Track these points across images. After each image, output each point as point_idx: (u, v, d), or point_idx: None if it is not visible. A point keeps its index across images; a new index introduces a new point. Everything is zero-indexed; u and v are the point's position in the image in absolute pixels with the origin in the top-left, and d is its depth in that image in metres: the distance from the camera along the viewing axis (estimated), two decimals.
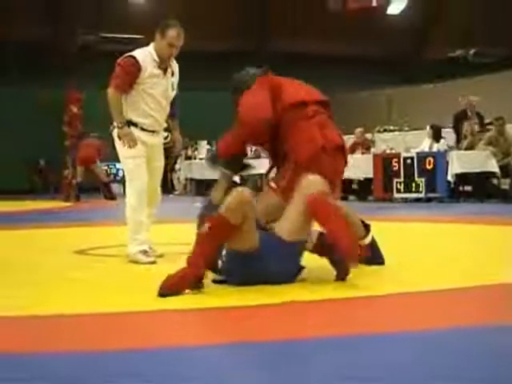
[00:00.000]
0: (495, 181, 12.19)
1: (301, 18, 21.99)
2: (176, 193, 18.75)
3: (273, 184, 4.31)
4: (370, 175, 13.23)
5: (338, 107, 22.60)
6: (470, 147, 12.44)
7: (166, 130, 5.52)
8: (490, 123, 12.98)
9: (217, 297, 3.69)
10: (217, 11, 21.38)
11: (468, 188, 12.53)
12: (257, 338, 2.83)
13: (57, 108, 20.76)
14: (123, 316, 3.36)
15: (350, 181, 13.85)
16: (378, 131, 15.40)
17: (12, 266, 5.14)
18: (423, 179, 12.19)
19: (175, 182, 19.46)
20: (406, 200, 12.70)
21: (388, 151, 13.70)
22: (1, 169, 20.48)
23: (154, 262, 4.97)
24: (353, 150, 14.45)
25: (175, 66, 5.36)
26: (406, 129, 15.45)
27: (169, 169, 19.65)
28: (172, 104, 5.41)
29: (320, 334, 2.85)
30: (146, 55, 5.14)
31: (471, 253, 5.35)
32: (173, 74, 5.31)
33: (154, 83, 5.15)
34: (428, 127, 13.26)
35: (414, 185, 12.34)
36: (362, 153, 14.11)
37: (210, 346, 2.76)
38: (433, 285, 3.88)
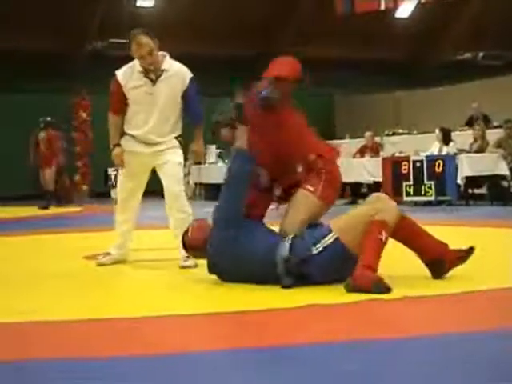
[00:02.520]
0: (505, 183, 12.14)
1: (308, 21, 21.96)
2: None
3: (310, 187, 4.29)
4: (379, 179, 13.20)
5: (347, 110, 22.65)
6: (480, 150, 12.41)
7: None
8: (500, 126, 12.95)
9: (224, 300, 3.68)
10: (223, 17, 21.40)
11: (478, 191, 12.48)
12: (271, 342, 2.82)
13: (65, 114, 20.84)
14: (132, 321, 3.35)
15: (360, 184, 13.82)
16: (387, 134, 15.37)
17: (21, 272, 5.14)
18: (433, 182, 12.15)
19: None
20: (415, 203, 12.67)
21: (397, 154, 13.67)
22: (8, 175, 20.51)
23: (102, 264, 5.25)
24: (362, 153, 14.45)
25: (175, 70, 5.25)
26: (415, 132, 15.42)
27: None
28: (190, 111, 5.37)
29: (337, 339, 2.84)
30: (127, 69, 5.23)
31: (483, 256, 5.32)
32: (166, 81, 5.20)
33: (139, 94, 5.17)
34: (437, 130, 13.23)
35: (423, 188, 12.30)
36: (371, 156, 14.09)
37: (224, 350, 2.75)
38: (443, 289, 3.86)
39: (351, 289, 3.81)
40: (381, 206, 3.99)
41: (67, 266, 5.33)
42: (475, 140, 12.69)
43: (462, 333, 2.89)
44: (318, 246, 3.96)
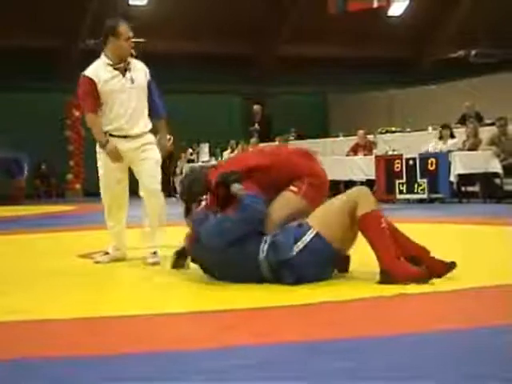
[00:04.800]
0: (498, 181, 12.17)
1: (302, 20, 21.97)
2: (178, 196, 18.74)
3: (294, 188, 4.29)
4: (372, 177, 13.22)
5: (341, 108, 22.64)
6: (473, 148, 12.43)
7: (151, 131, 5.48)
8: (493, 123, 12.98)
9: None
10: (218, 15, 21.38)
11: (470, 188, 12.51)
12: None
13: (58, 113, 20.80)
14: (127, 319, 3.35)
15: (353, 182, 13.84)
16: (380, 132, 15.39)
17: (16, 270, 5.14)
18: (426, 180, 12.18)
19: (177, 185, 19.45)
20: (408, 201, 12.69)
21: (390, 152, 13.69)
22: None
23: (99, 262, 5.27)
24: (355, 151, 14.46)
25: (136, 63, 5.35)
26: (408, 130, 15.45)
27: (171, 172, 19.68)
28: (154, 103, 5.41)
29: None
30: (96, 65, 5.27)
31: (477, 253, 5.34)
32: (133, 72, 5.28)
33: (112, 87, 5.19)
34: (430, 128, 13.26)
35: (416, 186, 12.33)
36: (365, 154, 14.10)
37: (218, 349, 2.75)
38: (442, 285, 3.87)
39: (386, 280, 3.87)
40: (362, 199, 3.99)
41: (61, 264, 5.32)
42: (468, 138, 12.72)
43: (463, 328, 2.90)
44: (298, 243, 3.96)
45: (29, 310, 3.60)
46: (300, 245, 3.97)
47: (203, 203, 4.32)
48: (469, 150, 12.44)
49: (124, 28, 5.26)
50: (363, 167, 13.50)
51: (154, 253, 5.21)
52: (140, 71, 5.34)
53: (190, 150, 19.59)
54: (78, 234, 8.25)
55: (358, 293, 3.71)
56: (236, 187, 4.17)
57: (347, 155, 14.43)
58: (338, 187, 12.69)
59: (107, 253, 5.42)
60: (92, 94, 5.21)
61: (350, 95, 22.29)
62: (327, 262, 4.04)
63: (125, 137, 5.27)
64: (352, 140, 15.08)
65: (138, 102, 5.28)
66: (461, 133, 13.20)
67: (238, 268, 4.05)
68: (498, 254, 5.26)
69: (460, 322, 3.04)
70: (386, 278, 3.88)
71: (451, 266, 4.06)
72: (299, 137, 18.45)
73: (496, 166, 11.84)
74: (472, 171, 11.97)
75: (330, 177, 4.71)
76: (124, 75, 5.24)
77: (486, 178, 12.06)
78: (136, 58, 5.42)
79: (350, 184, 13.82)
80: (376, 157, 13.48)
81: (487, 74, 18.44)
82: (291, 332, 2.98)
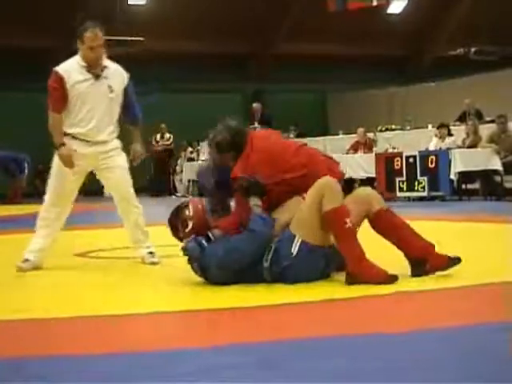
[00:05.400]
0: (498, 178, 12.16)
1: (301, 18, 21.94)
2: (178, 195, 18.73)
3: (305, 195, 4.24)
4: (373, 174, 13.22)
5: (340, 106, 22.62)
6: (473, 145, 12.42)
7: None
8: (493, 121, 12.97)
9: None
10: (217, 14, 21.36)
11: (471, 186, 12.50)
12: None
13: None
14: (124, 318, 3.35)
15: (353, 180, 13.83)
16: (380, 130, 15.38)
17: (10, 269, 5.12)
18: (426, 178, 12.17)
19: (177, 184, 19.44)
20: (408, 199, 12.68)
21: (390, 150, 13.68)
22: None
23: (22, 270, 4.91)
24: (355, 149, 14.45)
25: (114, 68, 5.14)
26: (408, 128, 15.44)
27: (171, 171, 19.66)
28: (131, 109, 5.18)
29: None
30: (70, 63, 5.06)
31: (476, 251, 5.32)
32: (112, 79, 5.06)
33: (83, 90, 4.97)
34: (430, 126, 13.25)
35: (416, 184, 12.32)
36: (365, 152, 14.10)
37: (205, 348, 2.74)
38: (440, 283, 3.86)
39: (353, 282, 3.84)
40: (327, 193, 3.91)
41: (59, 263, 5.31)
42: (468, 135, 12.71)
43: (463, 325, 2.89)
44: (292, 250, 3.95)
45: (30, 308, 3.59)
46: (293, 252, 3.95)
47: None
48: (469, 147, 12.43)
49: (89, 36, 4.97)
50: (363, 165, 13.49)
51: (151, 253, 5.14)
52: (116, 75, 5.11)
53: (190, 149, 19.57)
54: (75, 233, 8.23)
55: (355, 292, 3.70)
56: (255, 201, 4.10)
57: (347, 153, 14.42)
58: None
59: (27, 259, 5.03)
60: (59, 92, 4.99)
61: (350, 93, 22.27)
62: (322, 261, 4.01)
63: (88, 141, 5.04)
64: (352, 138, 15.07)
65: (110, 109, 5.06)
66: (460, 130, 13.19)
67: (239, 274, 4.01)
68: (499, 252, 5.25)
69: (460, 320, 3.02)
70: (352, 279, 3.86)
71: (455, 261, 4.03)
72: (299, 135, 18.44)
73: (496, 164, 11.83)
74: (472, 169, 11.96)
75: None
76: (98, 79, 5.02)
77: (486, 176, 12.05)
78: (110, 58, 5.20)
79: (350, 182, 13.84)
80: (376, 155, 13.47)
81: (487, 72, 18.42)
82: (290, 330, 2.98)
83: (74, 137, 5.04)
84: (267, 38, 22.84)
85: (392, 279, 3.84)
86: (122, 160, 5.15)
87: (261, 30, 22.60)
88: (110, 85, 5.05)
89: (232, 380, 2.28)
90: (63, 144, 5.00)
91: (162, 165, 19.03)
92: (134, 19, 20.10)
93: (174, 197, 17.50)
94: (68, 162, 4.97)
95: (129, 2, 21.13)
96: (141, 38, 18.59)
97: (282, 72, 22.19)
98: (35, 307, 3.64)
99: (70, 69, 5.03)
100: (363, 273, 3.82)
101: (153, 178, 19.40)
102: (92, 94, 5.00)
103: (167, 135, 18.80)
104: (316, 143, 16.94)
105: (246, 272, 3.99)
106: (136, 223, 5.17)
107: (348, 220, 3.86)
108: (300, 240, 3.95)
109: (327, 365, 2.40)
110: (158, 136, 18.86)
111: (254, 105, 17.74)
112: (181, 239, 4.19)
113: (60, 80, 5.00)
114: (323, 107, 24.05)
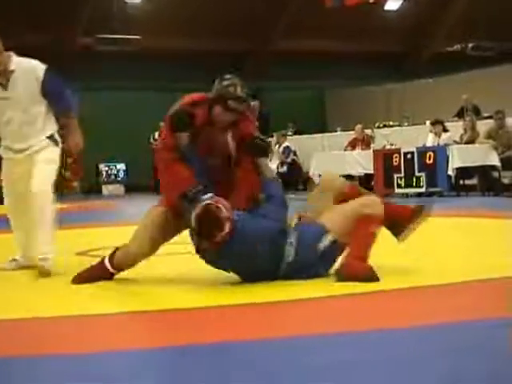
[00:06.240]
0: (496, 174, 12.18)
1: (298, 15, 21.92)
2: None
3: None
4: (371, 171, 13.23)
5: (338, 103, 22.56)
6: (471, 141, 12.44)
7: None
8: (490, 117, 12.98)
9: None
10: (213, 11, 21.33)
11: (468, 182, 12.52)
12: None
13: None
14: (124, 318, 3.35)
15: (351, 177, 13.84)
16: (378, 127, 15.39)
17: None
18: (424, 174, 12.18)
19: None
20: (406, 195, 12.69)
21: (388, 147, 13.70)
22: None
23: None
24: (353, 146, 14.46)
25: (24, 68, 4.83)
26: (406, 124, 15.45)
27: None
28: (55, 103, 4.91)
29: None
30: None
31: (475, 246, 5.33)
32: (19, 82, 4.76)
33: None
34: (428, 122, 13.26)
35: (414, 180, 12.34)
36: (362, 149, 14.11)
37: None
38: (440, 279, 3.87)
39: (341, 278, 3.83)
40: (372, 204, 4.02)
41: (59, 262, 5.31)
42: (465, 131, 12.72)
43: (461, 321, 2.90)
44: (319, 246, 3.96)
45: (30, 308, 3.59)
46: (320, 248, 3.96)
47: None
48: (466, 143, 12.45)
49: None
50: (361, 161, 13.50)
51: (45, 258, 4.67)
52: (26, 76, 4.78)
53: None
54: (76, 231, 8.23)
55: (354, 289, 3.71)
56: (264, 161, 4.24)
57: (345, 150, 14.43)
58: None
59: (15, 259, 5.01)
60: None
61: (348, 90, 22.24)
62: (334, 260, 4.07)
63: (11, 149, 4.86)
64: (350, 134, 15.08)
65: (27, 113, 4.77)
66: (457, 126, 13.19)
67: (258, 266, 3.95)
68: (497, 247, 5.26)
69: (460, 316, 3.03)
70: (342, 271, 3.89)
71: (419, 209, 4.21)
72: (297, 132, 18.44)
73: (494, 159, 11.85)
74: (470, 164, 11.98)
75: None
76: (6, 88, 4.75)
77: (484, 172, 12.06)
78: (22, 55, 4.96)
79: (348, 178, 13.85)
80: (374, 151, 13.48)
81: (485, 68, 18.41)
82: (292, 326, 2.98)
83: (6, 147, 4.91)
84: (265, 36, 22.81)
85: (375, 277, 3.84)
86: (43, 154, 4.81)
87: (258, 27, 22.57)
88: (21, 90, 4.75)
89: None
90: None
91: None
92: (130, 17, 20.09)
93: None
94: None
95: (125, 0, 21.11)
96: (137, 37, 18.57)
97: (280, 69, 22.16)
98: (35, 306, 3.64)
99: None
100: (350, 268, 3.85)
101: (152, 176, 19.41)
102: (3, 105, 4.76)
103: None
104: (314, 140, 16.97)
105: (263, 265, 3.95)
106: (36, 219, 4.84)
107: (374, 226, 3.95)
108: (333, 238, 3.96)
109: (329, 359, 2.41)
110: (157, 134, 18.86)
111: (252, 102, 17.73)
112: (209, 240, 3.85)
113: None
114: (321, 104, 24.03)
